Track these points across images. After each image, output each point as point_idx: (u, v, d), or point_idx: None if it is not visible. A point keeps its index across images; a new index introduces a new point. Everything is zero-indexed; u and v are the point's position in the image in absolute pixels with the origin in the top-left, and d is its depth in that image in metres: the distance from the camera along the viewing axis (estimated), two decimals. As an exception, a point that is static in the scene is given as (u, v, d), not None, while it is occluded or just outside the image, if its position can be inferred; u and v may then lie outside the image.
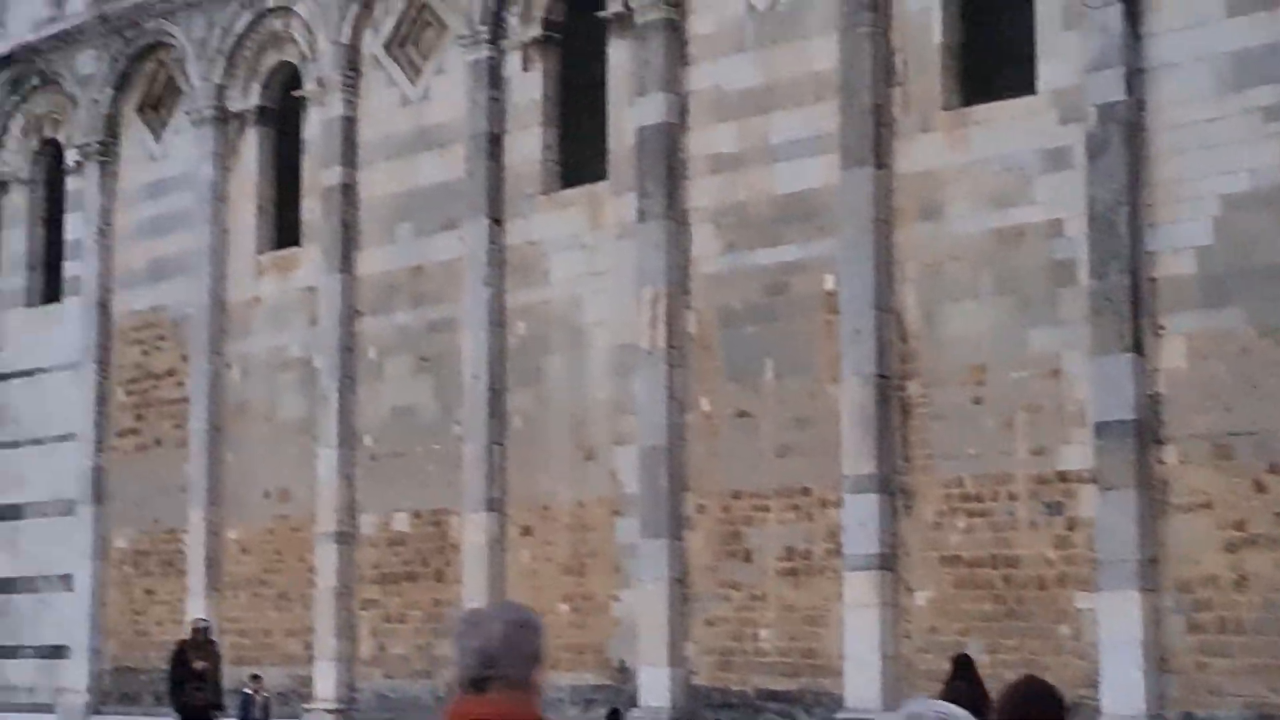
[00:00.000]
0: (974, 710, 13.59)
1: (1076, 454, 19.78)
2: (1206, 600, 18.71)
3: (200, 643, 20.53)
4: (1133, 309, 19.26)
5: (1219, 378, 18.87)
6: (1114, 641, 19.00)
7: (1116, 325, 19.34)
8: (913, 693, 20.57)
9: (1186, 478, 19.01)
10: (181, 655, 20.21)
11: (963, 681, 17.57)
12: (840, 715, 21.05)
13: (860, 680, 20.76)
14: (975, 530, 20.60)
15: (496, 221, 25.68)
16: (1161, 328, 19.30)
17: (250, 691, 22.73)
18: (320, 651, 26.97)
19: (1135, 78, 19.54)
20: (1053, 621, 19.79)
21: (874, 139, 21.61)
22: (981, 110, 21.16)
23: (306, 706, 26.90)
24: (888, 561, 21.03)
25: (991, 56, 21.50)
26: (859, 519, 21.24)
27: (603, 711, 23.36)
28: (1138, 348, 19.24)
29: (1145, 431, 19.17)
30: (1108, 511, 19.25)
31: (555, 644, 23.89)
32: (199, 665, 19.99)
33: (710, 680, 22.66)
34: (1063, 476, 19.94)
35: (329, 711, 26.56)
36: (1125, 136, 19.44)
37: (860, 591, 21.14)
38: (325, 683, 26.82)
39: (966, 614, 20.47)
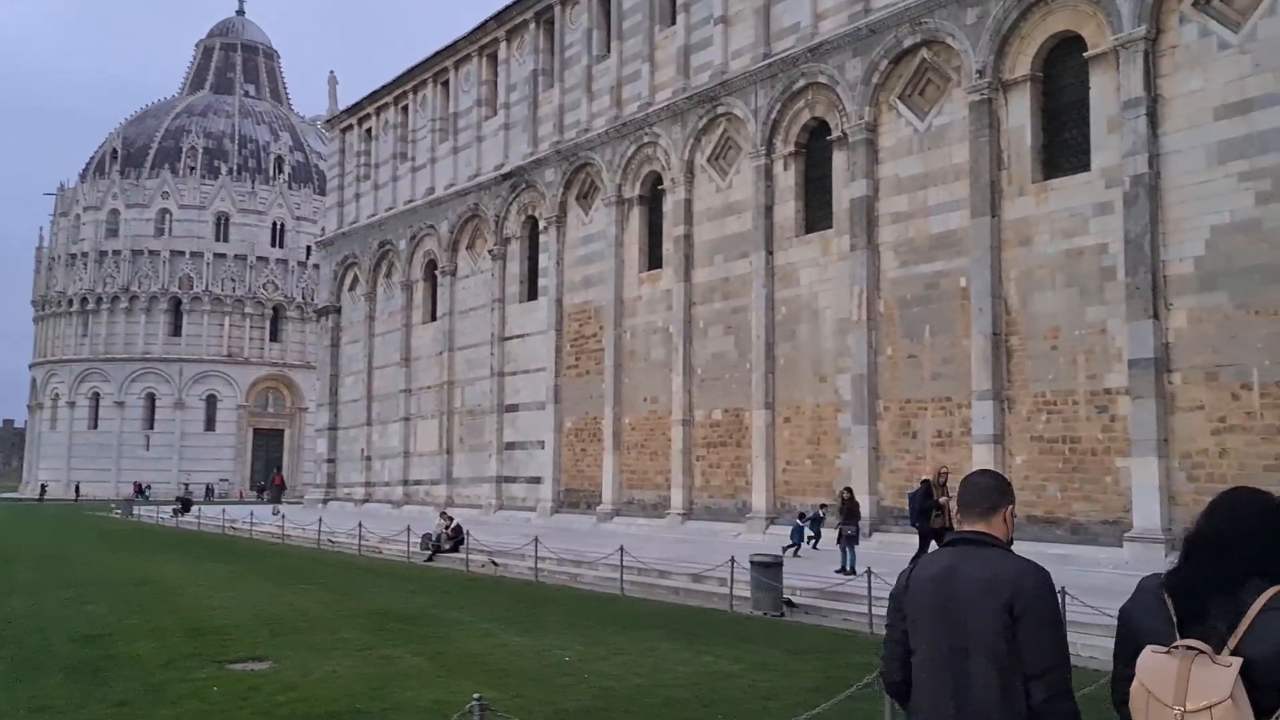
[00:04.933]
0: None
1: (1117, 378, 17.68)
2: (1200, 464, 16.55)
3: (941, 484, 15.87)
4: (1153, 294, 17.11)
5: (1208, 333, 16.59)
6: (1141, 487, 16.99)
7: (1142, 304, 17.23)
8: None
9: (1187, 392, 16.79)
10: (929, 490, 15.90)
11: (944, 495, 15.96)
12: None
13: (982, 506, 18.98)
14: (1052, 422, 18.61)
15: (770, 252, 24.38)
16: (1170, 304, 17.06)
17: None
18: (674, 482, 26.21)
19: (1154, 159, 17.27)
20: (1101, 474, 17.74)
21: (990, 200, 19.68)
22: (1056, 182, 19.03)
23: (667, 511, 26.19)
24: (998, 439, 19.21)
25: (1062, 150, 19.23)
26: (980, 414, 19.46)
27: (834, 518, 22.04)
28: (1156, 316, 17.06)
29: (1160, 365, 17.01)
30: (1137, 411, 17.14)
31: (803, 482, 22.59)
32: (943, 500, 15.41)
33: (893, 503, 21.08)
34: (1107, 391, 17.84)
35: (679, 514, 25.79)
36: (1148, 194, 17.21)
37: (981, 455, 19.32)
38: (676, 499, 26.06)
39: (1046, 469, 18.56)
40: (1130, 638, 2.71)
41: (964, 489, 3.22)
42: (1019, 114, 19.51)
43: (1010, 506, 3.16)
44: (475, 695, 5.98)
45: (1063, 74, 19.18)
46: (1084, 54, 18.46)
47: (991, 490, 3.16)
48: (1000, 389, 19.29)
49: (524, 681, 9.88)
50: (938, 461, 20.30)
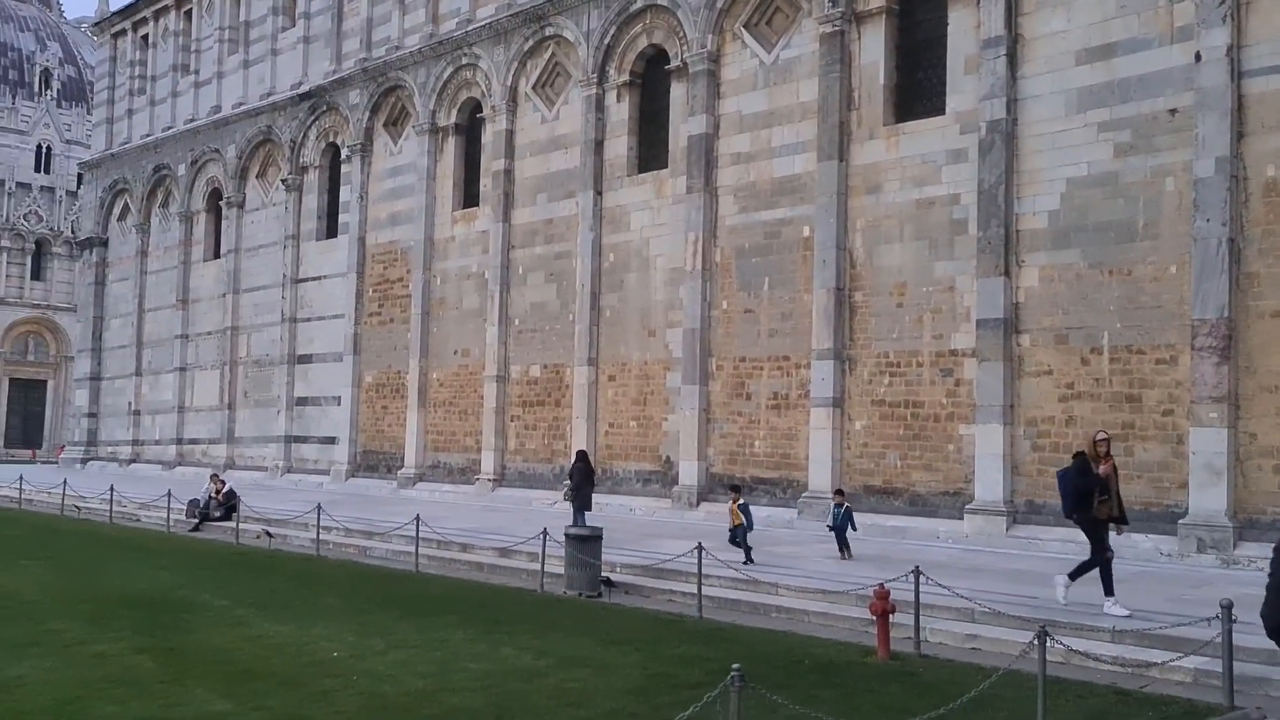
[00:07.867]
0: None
1: (964, 339, 17.11)
2: (1046, 432, 16.15)
3: (1102, 454, 10.60)
4: (1005, 249, 16.55)
5: (1059, 293, 16.15)
6: (984, 455, 16.51)
7: (993, 259, 16.66)
8: (850, 481, 18.02)
9: (1035, 355, 16.33)
10: (1084, 466, 10.59)
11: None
12: (804, 495, 18.52)
13: (817, 474, 18.26)
14: (894, 385, 17.94)
15: (599, 193, 22.89)
16: (1022, 261, 16.53)
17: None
18: (485, 445, 24.55)
19: (1012, 104, 16.67)
20: (944, 442, 17.16)
21: (839, 143, 18.76)
22: (909, 125, 18.25)
23: (476, 477, 24.54)
24: (837, 402, 18.43)
25: (917, 91, 18.46)
26: (820, 375, 18.63)
27: (658, 486, 20.92)
28: (1007, 273, 16.53)
29: (1009, 326, 16.52)
30: (983, 375, 16.63)
31: (627, 446, 21.36)
32: (1104, 469, 10.53)
33: (723, 470, 20.09)
34: (953, 353, 17.26)
35: (490, 479, 24.20)
36: (1004, 142, 16.61)
37: (819, 420, 18.56)
38: (487, 463, 24.41)
39: (886, 435, 17.91)
40: None
41: None
42: (872, 49, 18.63)
43: None
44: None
45: (919, 7, 18.38)
46: (944, -13, 17.73)
47: None
48: (842, 348, 18.50)
49: (271, 687, 8.17)
50: (773, 427, 19.49)
